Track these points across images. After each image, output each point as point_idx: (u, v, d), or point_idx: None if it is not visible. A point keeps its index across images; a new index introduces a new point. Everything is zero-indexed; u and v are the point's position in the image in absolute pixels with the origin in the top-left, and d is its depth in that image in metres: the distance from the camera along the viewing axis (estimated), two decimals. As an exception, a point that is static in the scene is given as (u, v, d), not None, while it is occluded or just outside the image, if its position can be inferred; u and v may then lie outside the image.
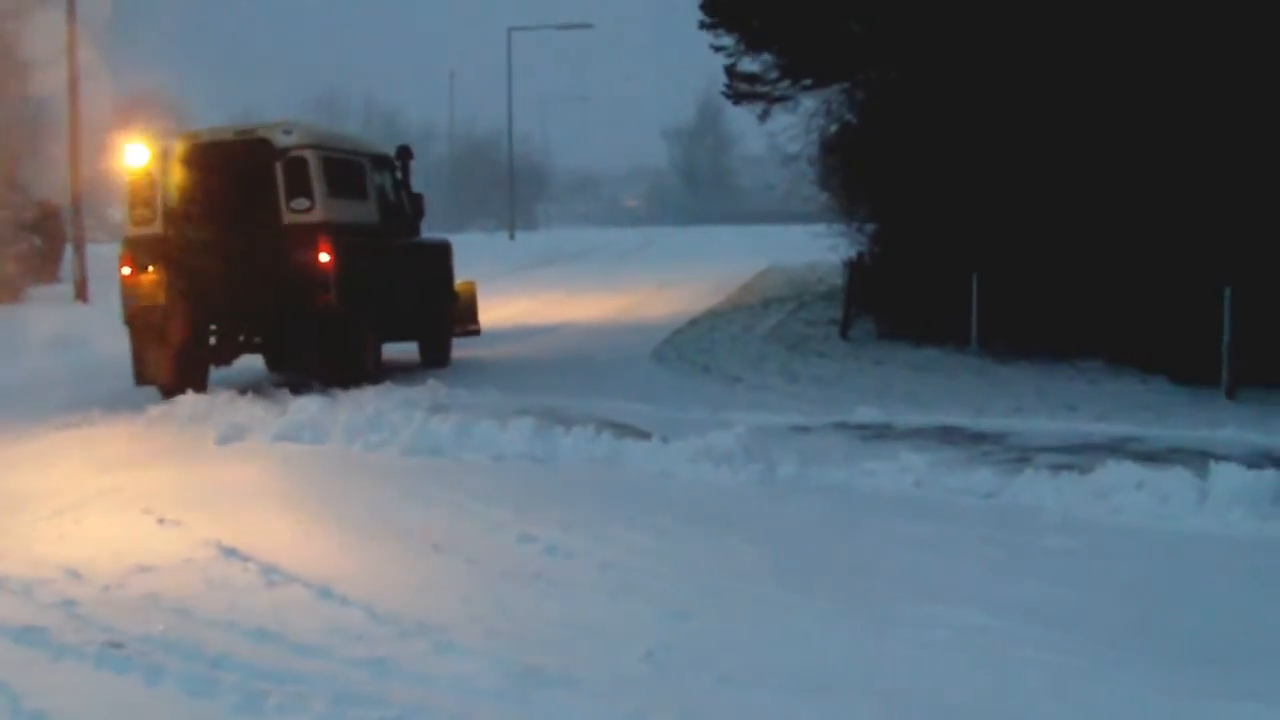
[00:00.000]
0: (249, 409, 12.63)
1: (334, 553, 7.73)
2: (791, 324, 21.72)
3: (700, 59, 25.42)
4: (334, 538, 8.14)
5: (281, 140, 13.99)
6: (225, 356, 15.16)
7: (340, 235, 14.09)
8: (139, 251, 14.20)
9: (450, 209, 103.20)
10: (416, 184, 17.46)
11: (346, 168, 14.96)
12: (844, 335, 19.69)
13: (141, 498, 9.26)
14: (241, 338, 15.03)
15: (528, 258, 45.53)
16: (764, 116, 22.89)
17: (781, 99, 22.43)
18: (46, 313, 28.74)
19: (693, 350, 18.21)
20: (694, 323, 22.13)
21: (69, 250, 35.30)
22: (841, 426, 11.59)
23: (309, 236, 13.85)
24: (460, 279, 18.66)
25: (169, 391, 14.02)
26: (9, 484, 10.11)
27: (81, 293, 32.87)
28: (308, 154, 14.03)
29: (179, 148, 14.32)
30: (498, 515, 8.44)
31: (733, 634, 6.08)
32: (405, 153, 16.84)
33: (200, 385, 14.46)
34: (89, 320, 22.44)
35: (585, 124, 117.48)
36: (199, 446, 11.43)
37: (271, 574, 7.13)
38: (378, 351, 15.47)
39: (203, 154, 14.31)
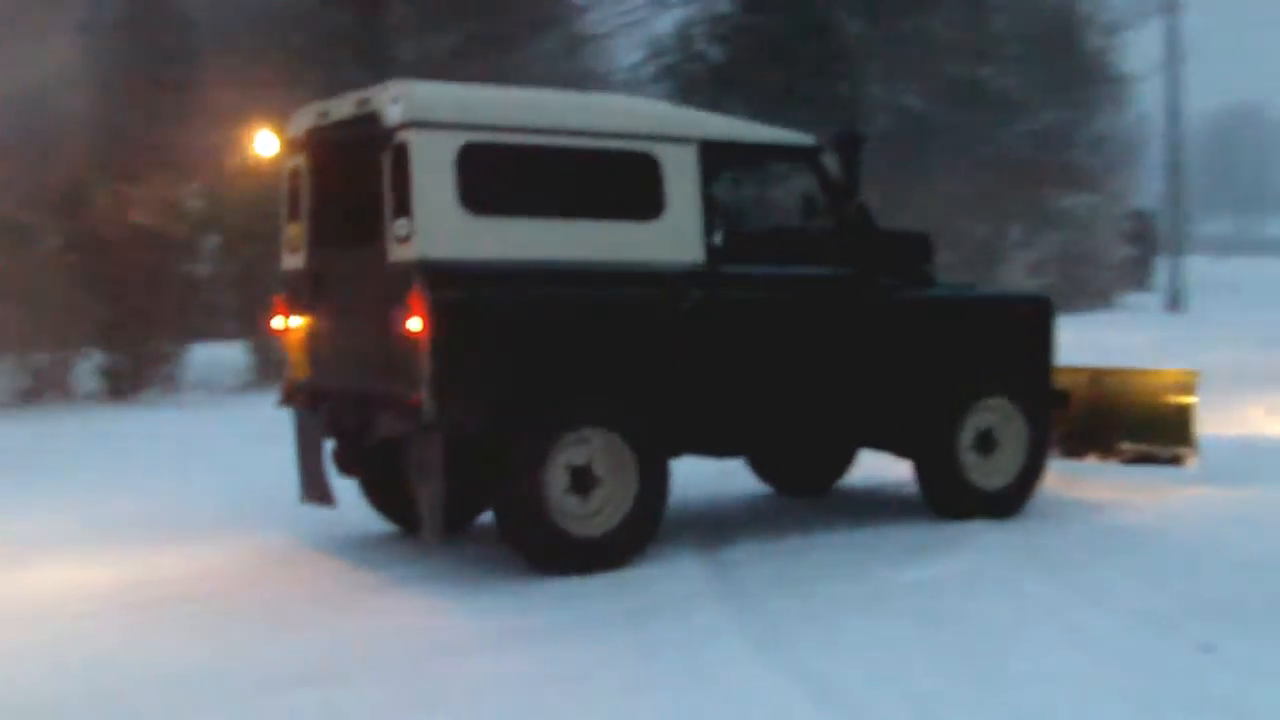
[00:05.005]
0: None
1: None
2: None
3: None
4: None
5: (389, 115, 7.53)
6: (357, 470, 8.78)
7: (472, 284, 7.46)
8: (288, 294, 8.72)
9: None
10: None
11: (566, 161, 7.90)
12: None
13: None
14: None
15: None
16: None
17: None
18: (1133, 320, 30.30)
19: None
20: None
21: (1160, 259, 38.79)
22: None
23: (399, 287, 7.38)
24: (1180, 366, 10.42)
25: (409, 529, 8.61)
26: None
27: (1176, 303, 35.32)
28: (413, 138, 7.39)
29: (312, 133, 8.39)
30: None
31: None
32: (849, 142, 8.69)
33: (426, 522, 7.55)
34: (1175, 331, 22.32)
35: None
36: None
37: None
38: (651, 497, 7.87)
39: (332, 142, 8.29)
